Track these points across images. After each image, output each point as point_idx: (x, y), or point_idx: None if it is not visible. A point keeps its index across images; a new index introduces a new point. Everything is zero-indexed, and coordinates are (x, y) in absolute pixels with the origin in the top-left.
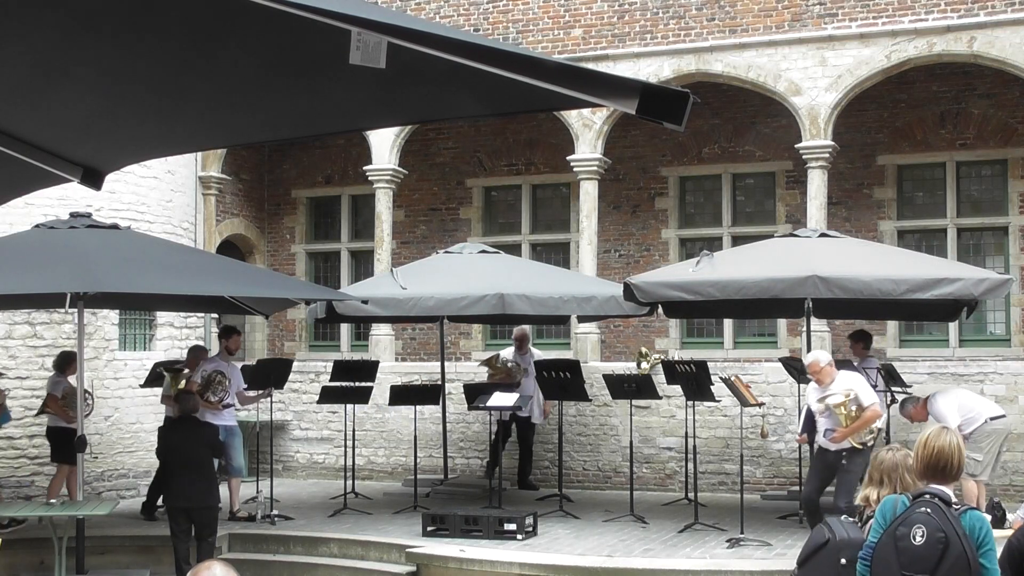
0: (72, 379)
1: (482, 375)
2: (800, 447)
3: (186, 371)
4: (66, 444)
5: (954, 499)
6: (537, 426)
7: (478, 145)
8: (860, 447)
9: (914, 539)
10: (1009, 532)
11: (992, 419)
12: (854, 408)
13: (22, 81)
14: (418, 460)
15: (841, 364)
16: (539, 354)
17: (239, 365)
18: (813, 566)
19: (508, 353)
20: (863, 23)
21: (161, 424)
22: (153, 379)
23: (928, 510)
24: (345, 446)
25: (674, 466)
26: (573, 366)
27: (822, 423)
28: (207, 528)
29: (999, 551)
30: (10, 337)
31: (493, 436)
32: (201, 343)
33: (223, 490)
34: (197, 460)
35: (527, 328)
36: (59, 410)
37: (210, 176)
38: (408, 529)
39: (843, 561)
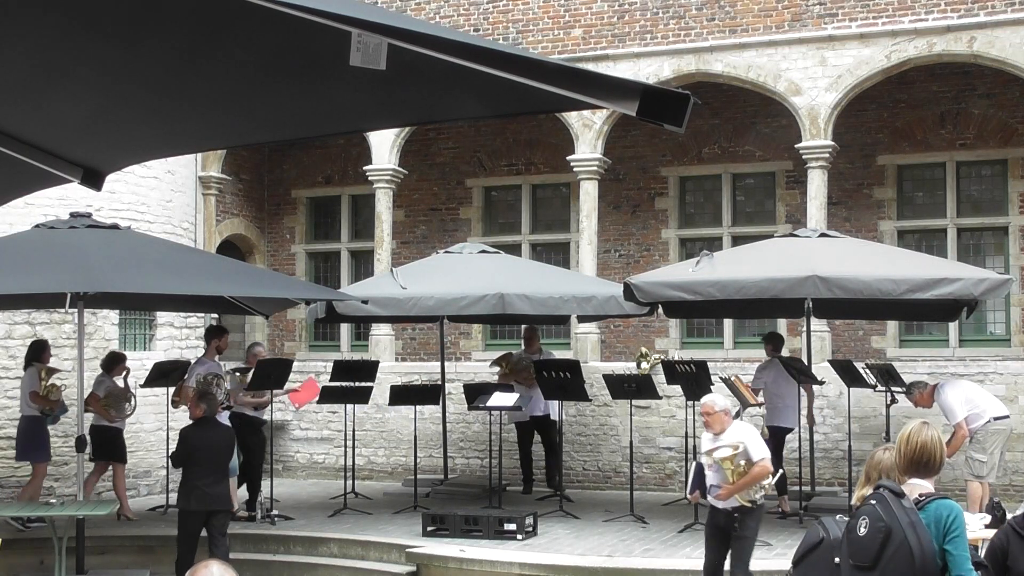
0: (119, 379)
1: (482, 375)
2: (800, 445)
3: (250, 371)
4: (107, 443)
5: (921, 492)
6: (555, 425)
7: (478, 145)
8: (750, 505)
9: (859, 530)
10: None
11: (996, 419)
12: (743, 463)
13: (22, 81)
14: (418, 460)
15: (840, 363)
16: (554, 354)
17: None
18: (808, 566)
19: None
20: (863, 23)
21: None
22: (154, 379)
23: (874, 502)
24: (345, 446)
25: (674, 466)
26: (573, 366)
27: (710, 477)
28: (220, 530)
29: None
30: (10, 337)
31: (519, 442)
32: (259, 341)
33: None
34: (217, 462)
35: (536, 327)
36: (99, 409)
37: (210, 176)
38: (408, 529)
39: (836, 560)
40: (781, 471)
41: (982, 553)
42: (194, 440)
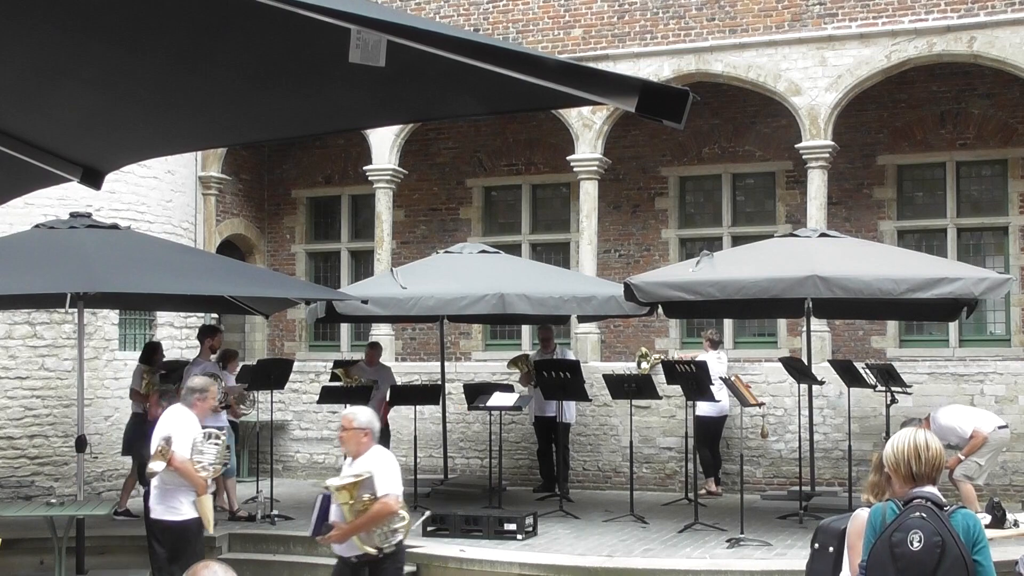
0: (231, 375)
1: (482, 375)
2: (800, 445)
3: (360, 366)
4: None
5: (943, 500)
6: (572, 427)
7: (478, 145)
8: (377, 553)
9: (911, 544)
10: (1009, 532)
11: (1000, 428)
12: (365, 497)
13: (22, 81)
14: (418, 460)
15: (840, 363)
16: (570, 354)
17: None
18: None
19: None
20: (863, 23)
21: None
22: None
23: (923, 515)
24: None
25: (674, 466)
26: (573, 366)
27: (333, 512)
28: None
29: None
30: (10, 337)
31: (538, 449)
32: (377, 340)
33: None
34: None
35: (551, 327)
36: (142, 401)
37: (210, 176)
38: None
39: (816, 546)
40: None
41: None
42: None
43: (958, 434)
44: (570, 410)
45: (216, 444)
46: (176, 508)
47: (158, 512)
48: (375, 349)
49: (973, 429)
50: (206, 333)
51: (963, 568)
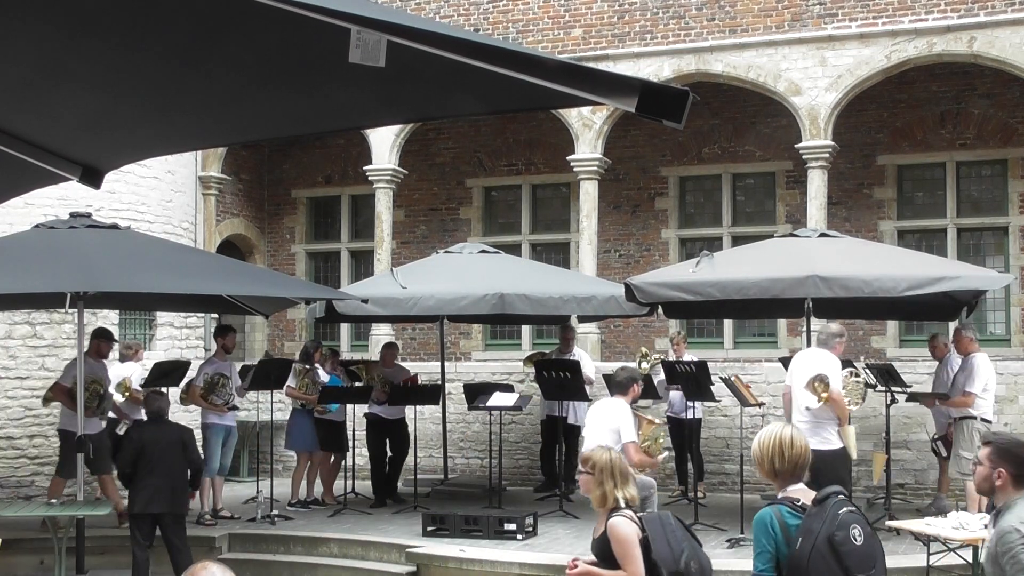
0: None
1: (482, 375)
2: None
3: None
4: (333, 435)
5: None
6: (583, 429)
7: (478, 145)
8: None
9: (855, 540)
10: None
11: (984, 420)
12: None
13: (22, 80)
14: (418, 460)
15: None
16: (584, 355)
17: (239, 365)
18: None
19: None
20: (863, 23)
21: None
22: (154, 379)
23: (851, 508)
24: (344, 446)
25: (673, 466)
26: (573, 366)
27: None
28: (177, 535)
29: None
30: (10, 337)
31: (541, 447)
32: (392, 339)
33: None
34: (166, 463)
35: (574, 327)
36: (299, 396)
37: (210, 176)
38: (408, 529)
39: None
40: None
41: (982, 557)
42: (140, 440)
43: (971, 384)
44: (579, 411)
45: None
46: (827, 439)
47: (812, 443)
48: (392, 350)
49: (974, 393)
50: (218, 333)
51: (884, 558)
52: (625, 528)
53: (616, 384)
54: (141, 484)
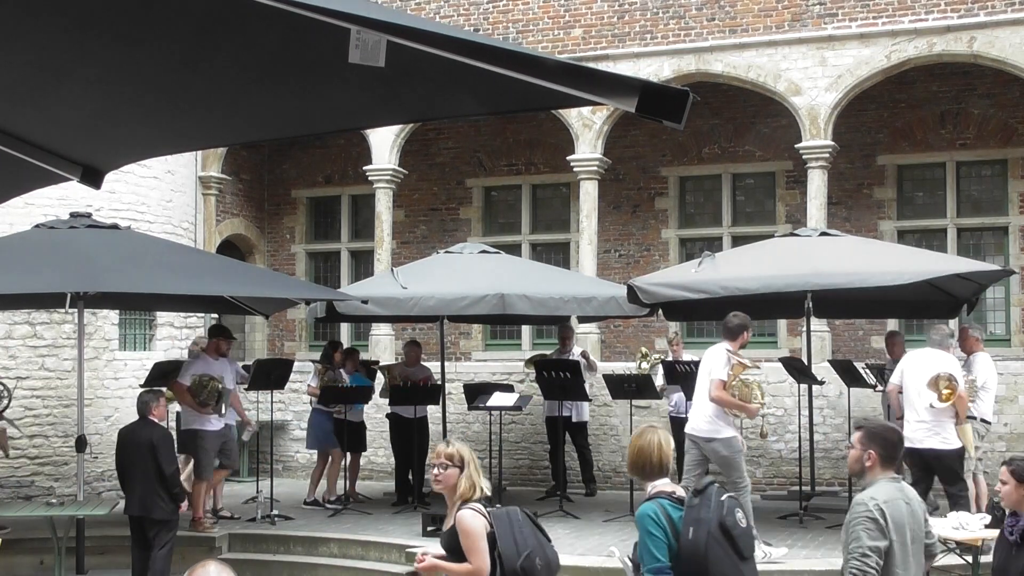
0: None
1: (482, 375)
2: (800, 445)
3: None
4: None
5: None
6: (588, 425)
7: (478, 145)
8: None
9: (741, 523)
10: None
11: (984, 421)
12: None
13: (22, 80)
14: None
15: (840, 363)
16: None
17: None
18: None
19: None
20: (863, 23)
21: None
22: (154, 379)
23: (731, 495)
24: (345, 447)
25: (674, 466)
26: (573, 366)
27: None
28: (157, 541)
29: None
30: (10, 337)
31: (550, 450)
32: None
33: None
34: (143, 466)
35: (572, 326)
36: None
37: (210, 176)
38: (408, 529)
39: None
40: None
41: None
42: (121, 442)
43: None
44: (581, 408)
45: None
46: (948, 438)
47: (932, 442)
48: (416, 348)
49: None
50: (213, 334)
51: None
52: (473, 521)
53: (727, 329)
54: (125, 485)
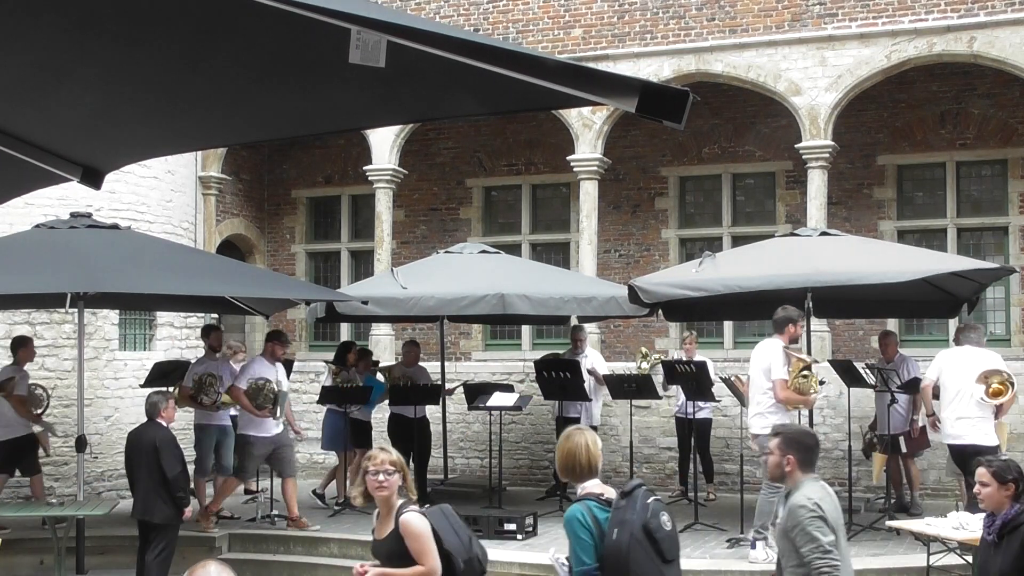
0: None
1: (482, 375)
2: None
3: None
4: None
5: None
6: (598, 429)
7: (478, 145)
8: None
9: (665, 526)
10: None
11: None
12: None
13: (22, 80)
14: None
15: (840, 363)
16: (596, 355)
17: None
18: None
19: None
20: (863, 23)
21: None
22: (154, 379)
23: (657, 498)
24: (345, 447)
25: (674, 466)
26: (573, 366)
27: None
28: (154, 545)
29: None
30: (10, 337)
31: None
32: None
33: (209, 488)
34: (146, 468)
35: (583, 327)
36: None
37: (210, 176)
38: None
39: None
40: None
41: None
42: (129, 444)
43: None
44: (591, 411)
45: None
46: (988, 434)
47: (974, 437)
48: (415, 348)
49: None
50: (203, 333)
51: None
52: (420, 523)
53: (774, 323)
54: (132, 487)
